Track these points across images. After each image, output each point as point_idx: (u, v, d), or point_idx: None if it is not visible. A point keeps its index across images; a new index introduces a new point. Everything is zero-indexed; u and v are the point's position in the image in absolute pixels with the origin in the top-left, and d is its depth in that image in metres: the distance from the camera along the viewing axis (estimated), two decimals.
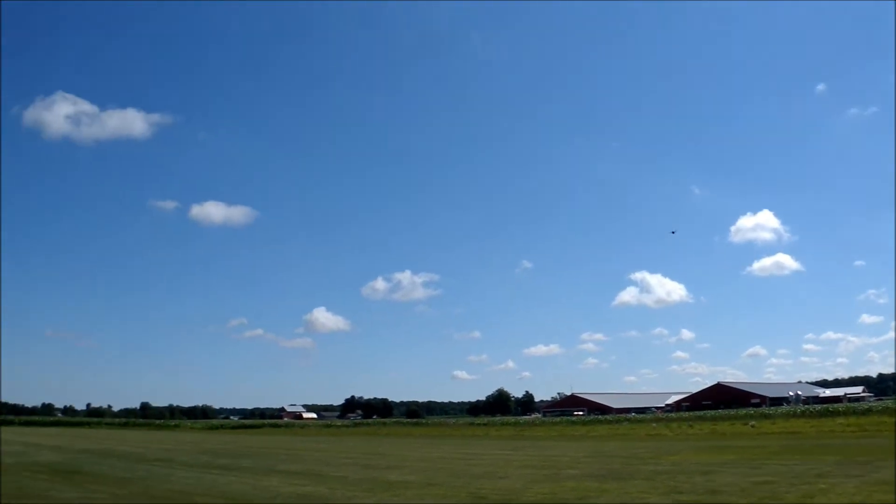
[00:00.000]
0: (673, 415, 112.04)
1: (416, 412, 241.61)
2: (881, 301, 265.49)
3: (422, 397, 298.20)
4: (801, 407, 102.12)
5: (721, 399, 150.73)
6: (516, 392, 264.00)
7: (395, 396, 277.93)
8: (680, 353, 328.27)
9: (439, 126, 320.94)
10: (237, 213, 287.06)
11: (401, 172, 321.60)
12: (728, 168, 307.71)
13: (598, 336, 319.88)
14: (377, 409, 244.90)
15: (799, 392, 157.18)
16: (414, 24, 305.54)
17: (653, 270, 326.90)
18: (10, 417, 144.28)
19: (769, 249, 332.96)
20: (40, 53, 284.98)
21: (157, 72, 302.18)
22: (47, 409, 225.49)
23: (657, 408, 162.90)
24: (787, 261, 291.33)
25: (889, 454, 26.39)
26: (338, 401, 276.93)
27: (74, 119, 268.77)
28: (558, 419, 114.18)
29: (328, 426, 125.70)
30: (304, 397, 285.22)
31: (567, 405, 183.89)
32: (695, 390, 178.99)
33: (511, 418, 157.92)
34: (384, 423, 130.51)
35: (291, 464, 33.76)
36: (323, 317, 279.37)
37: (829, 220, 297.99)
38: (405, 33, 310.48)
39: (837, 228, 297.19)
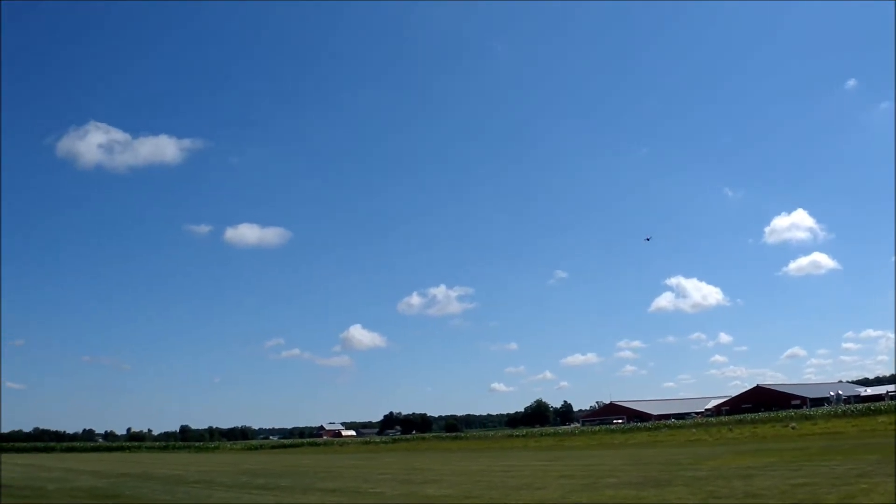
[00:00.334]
0: (712, 419, 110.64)
1: (455, 426, 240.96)
2: None
3: (460, 411, 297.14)
4: (843, 407, 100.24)
5: (761, 402, 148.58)
6: (554, 402, 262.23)
7: (434, 411, 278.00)
8: (718, 357, 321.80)
9: (469, 139, 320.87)
10: (271, 234, 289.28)
11: (431, 186, 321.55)
12: (760, 168, 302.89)
13: (636, 343, 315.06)
14: (416, 425, 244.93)
15: (840, 392, 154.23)
16: (441, 34, 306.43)
17: (688, 275, 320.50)
18: (52, 444, 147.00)
19: (805, 249, 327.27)
20: (72, 84, 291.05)
21: (187, 98, 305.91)
22: (88, 434, 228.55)
23: (696, 413, 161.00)
24: (823, 259, 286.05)
25: None
26: (376, 417, 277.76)
27: (107, 147, 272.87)
28: (597, 428, 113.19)
29: (367, 443, 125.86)
30: (342, 415, 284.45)
31: (606, 413, 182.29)
32: (734, 394, 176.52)
33: (550, 429, 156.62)
34: (423, 438, 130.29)
35: (329, 482, 33.88)
36: (359, 334, 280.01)
37: (865, 216, 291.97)
38: (432, 46, 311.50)
39: (873, 224, 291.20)
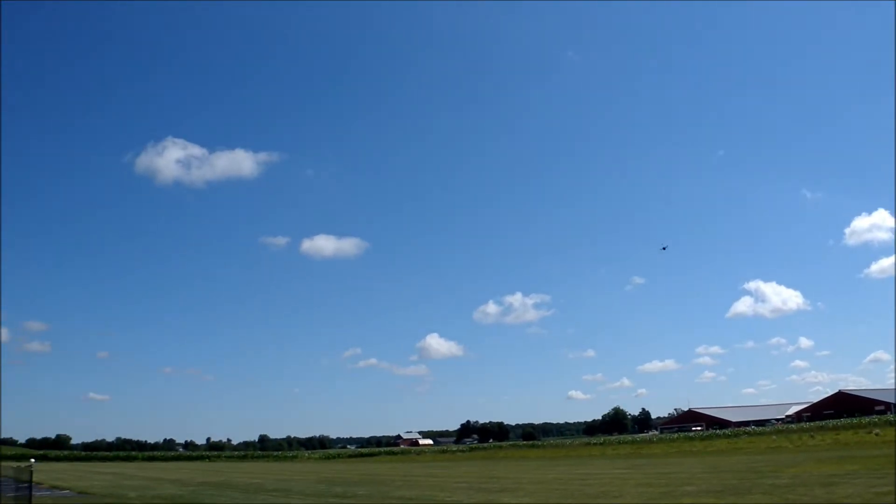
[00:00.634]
0: (793, 426, 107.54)
1: (532, 434, 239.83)
2: None
3: (537, 419, 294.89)
4: None
5: (843, 407, 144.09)
6: (632, 410, 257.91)
7: (511, 419, 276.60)
8: (799, 362, 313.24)
9: (543, 148, 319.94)
10: (347, 245, 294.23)
11: (507, 195, 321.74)
12: (839, 169, 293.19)
13: (714, 349, 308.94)
14: (493, 433, 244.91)
15: None
16: (512, 45, 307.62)
17: (767, 279, 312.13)
18: (134, 453, 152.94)
19: (887, 250, 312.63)
20: (149, 102, 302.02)
21: (263, 112, 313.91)
22: (169, 444, 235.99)
23: (777, 420, 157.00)
24: None
25: None
26: (453, 426, 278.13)
27: (185, 163, 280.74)
28: (676, 435, 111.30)
29: (444, 451, 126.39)
30: (419, 424, 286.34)
31: (684, 421, 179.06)
32: (815, 399, 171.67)
33: (628, 436, 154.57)
34: (500, 447, 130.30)
35: (406, 490, 34.34)
36: (436, 343, 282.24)
37: None
38: (504, 57, 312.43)
39: None
